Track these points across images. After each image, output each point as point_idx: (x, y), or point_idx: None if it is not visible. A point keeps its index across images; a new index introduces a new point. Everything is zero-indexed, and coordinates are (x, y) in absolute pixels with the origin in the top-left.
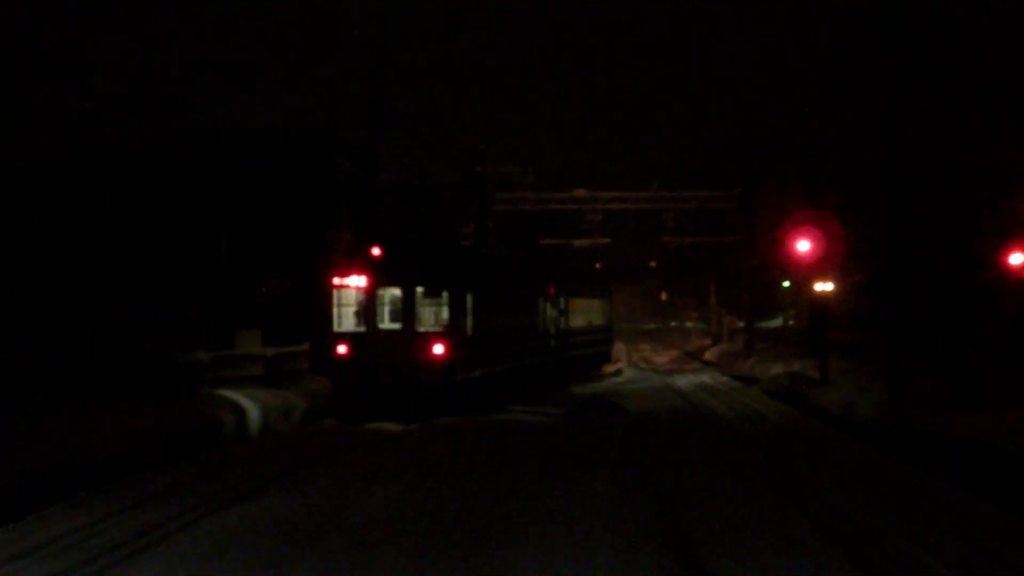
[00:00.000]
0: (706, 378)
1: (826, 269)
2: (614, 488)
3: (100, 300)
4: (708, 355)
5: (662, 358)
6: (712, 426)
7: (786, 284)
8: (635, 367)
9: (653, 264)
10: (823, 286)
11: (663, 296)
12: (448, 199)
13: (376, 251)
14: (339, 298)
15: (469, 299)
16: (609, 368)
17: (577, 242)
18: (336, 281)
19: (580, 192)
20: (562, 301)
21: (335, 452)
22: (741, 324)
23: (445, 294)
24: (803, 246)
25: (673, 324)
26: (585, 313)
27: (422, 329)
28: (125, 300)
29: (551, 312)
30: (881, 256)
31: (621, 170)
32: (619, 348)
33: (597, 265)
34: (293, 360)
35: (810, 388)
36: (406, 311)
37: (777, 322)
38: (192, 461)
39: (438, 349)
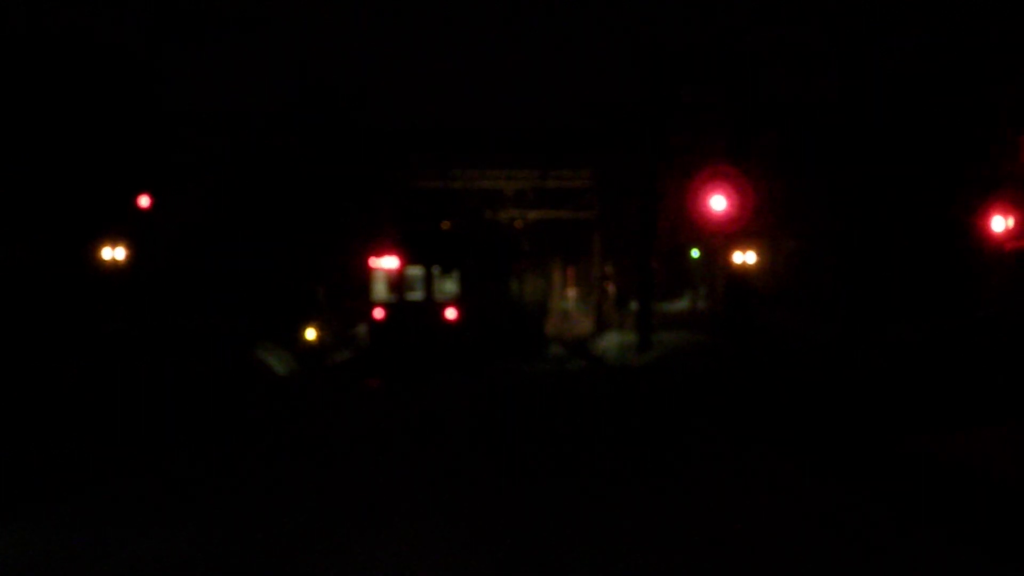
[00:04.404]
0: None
1: (748, 233)
2: None
3: None
4: (600, 346)
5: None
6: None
7: (695, 253)
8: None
9: (519, 224)
10: (743, 256)
11: None
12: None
13: (402, 238)
14: (375, 276)
15: (473, 276)
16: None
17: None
18: (372, 263)
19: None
20: (522, 278)
21: None
22: (635, 306)
23: (456, 272)
24: (719, 203)
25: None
26: (534, 288)
27: (439, 299)
28: None
29: (515, 287)
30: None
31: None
32: None
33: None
34: None
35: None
36: (427, 285)
37: (683, 304)
38: None
39: (451, 314)
